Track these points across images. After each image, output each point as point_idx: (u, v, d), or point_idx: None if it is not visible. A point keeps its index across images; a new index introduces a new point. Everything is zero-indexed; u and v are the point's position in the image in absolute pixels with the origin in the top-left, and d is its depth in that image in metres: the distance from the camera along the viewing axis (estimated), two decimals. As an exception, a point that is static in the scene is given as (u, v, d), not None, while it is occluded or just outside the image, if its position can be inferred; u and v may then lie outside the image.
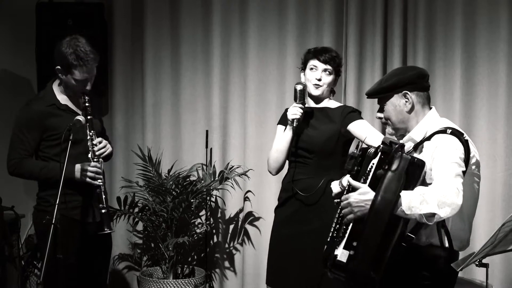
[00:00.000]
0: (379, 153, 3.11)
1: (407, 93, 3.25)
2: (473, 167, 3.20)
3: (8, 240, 5.13)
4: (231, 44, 5.65)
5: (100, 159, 4.00)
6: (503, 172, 5.11)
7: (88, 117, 3.99)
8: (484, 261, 3.12)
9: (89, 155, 3.97)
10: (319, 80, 4.20)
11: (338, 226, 3.22)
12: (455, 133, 3.16)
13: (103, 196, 3.94)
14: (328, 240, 3.25)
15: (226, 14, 5.62)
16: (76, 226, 4.00)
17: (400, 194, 2.97)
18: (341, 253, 3.07)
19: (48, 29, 5.32)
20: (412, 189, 3.03)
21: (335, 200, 3.35)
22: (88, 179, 3.93)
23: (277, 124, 4.41)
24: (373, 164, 3.13)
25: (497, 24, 5.10)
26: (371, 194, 3.03)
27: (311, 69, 4.23)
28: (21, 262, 5.32)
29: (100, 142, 4.02)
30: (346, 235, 3.09)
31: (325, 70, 4.20)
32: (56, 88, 4.10)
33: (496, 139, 5.13)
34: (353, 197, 3.07)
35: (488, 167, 5.02)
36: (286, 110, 4.38)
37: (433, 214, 2.95)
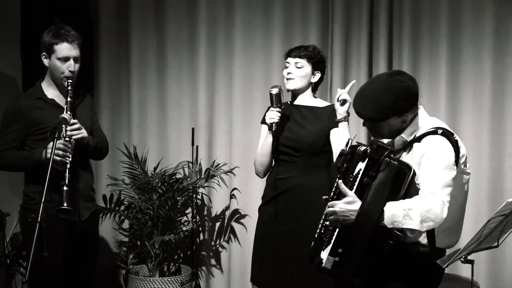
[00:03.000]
0: (367, 158, 3.11)
1: (405, 117, 3.21)
2: (462, 166, 3.21)
3: (-7, 239, 5.11)
4: (217, 42, 5.64)
5: (72, 140, 3.93)
6: (488, 169, 5.14)
7: (69, 99, 3.97)
8: (469, 257, 3.14)
9: (62, 133, 3.89)
10: (289, 73, 4.20)
11: (325, 224, 3.23)
12: (446, 133, 3.16)
13: (67, 175, 3.84)
14: (316, 236, 3.27)
15: (211, 12, 5.62)
16: (62, 224, 3.98)
17: (384, 208, 3.01)
18: (327, 259, 3.13)
19: (33, 26, 5.30)
20: (398, 195, 3.06)
21: (324, 197, 3.35)
22: (49, 155, 3.74)
23: (261, 123, 4.41)
24: (360, 169, 3.13)
25: (482, 22, 5.12)
26: (356, 205, 3.07)
27: (286, 66, 4.24)
28: (6, 261, 5.30)
29: (74, 124, 3.96)
30: (332, 241, 3.13)
31: (295, 63, 4.20)
32: (44, 84, 4.10)
33: (481, 136, 5.15)
34: (338, 206, 3.10)
35: (473, 164, 5.02)
36: (268, 108, 4.39)
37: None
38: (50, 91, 4.09)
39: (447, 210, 3.04)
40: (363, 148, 3.16)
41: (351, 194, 3.10)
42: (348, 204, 3.08)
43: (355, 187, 3.12)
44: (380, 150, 3.12)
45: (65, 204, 3.76)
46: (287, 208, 4.20)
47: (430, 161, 3.09)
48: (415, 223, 3.00)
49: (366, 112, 3.22)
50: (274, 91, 4.16)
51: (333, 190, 3.26)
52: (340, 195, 3.18)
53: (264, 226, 4.34)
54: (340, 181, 3.15)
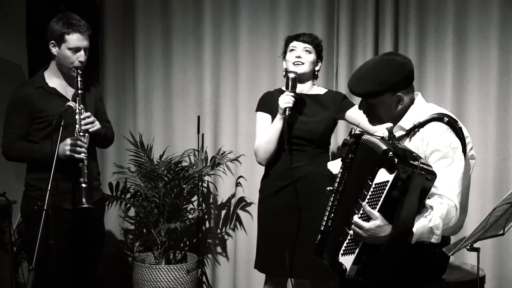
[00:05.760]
0: (394, 174, 2.91)
1: (400, 95, 3.21)
2: (469, 154, 3.22)
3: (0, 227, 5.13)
4: (223, 30, 5.63)
5: (86, 134, 3.95)
6: (494, 157, 5.12)
7: (79, 91, 3.96)
8: (475, 245, 3.13)
9: (76, 129, 3.91)
10: (299, 57, 4.20)
11: (332, 215, 3.22)
12: (451, 122, 3.15)
13: (85, 171, 3.86)
14: (322, 229, 3.26)
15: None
16: (64, 212, 3.98)
17: (413, 230, 3.00)
18: (351, 268, 3.08)
19: (39, 14, 5.29)
20: (423, 205, 3.05)
21: (328, 188, 3.34)
22: (69, 152, 3.85)
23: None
24: (387, 181, 2.93)
25: (489, 9, 5.09)
26: (386, 229, 2.98)
27: (291, 50, 4.23)
28: (13, 248, 5.32)
29: (88, 117, 3.98)
30: (356, 252, 3.06)
31: (304, 48, 4.20)
32: (46, 73, 4.10)
33: (487, 124, 5.13)
34: (368, 232, 2.99)
35: (479, 152, 5.03)
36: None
37: None
38: (54, 80, 4.08)
39: (459, 212, 3.12)
40: (384, 147, 2.98)
41: (379, 217, 2.98)
42: (378, 228, 2.98)
43: (381, 201, 2.97)
44: (408, 161, 2.93)
45: (83, 200, 3.78)
46: (298, 197, 4.18)
47: (435, 157, 3.10)
48: (439, 237, 3.06)
49: (360, 88, 3.20)
50: (292, 75, 4.15)
51: (337, 180, 3.25)
52: (346, 184, 3.16)
53: (273, 214, 4.30)
54: (365, 202, 3.00)
